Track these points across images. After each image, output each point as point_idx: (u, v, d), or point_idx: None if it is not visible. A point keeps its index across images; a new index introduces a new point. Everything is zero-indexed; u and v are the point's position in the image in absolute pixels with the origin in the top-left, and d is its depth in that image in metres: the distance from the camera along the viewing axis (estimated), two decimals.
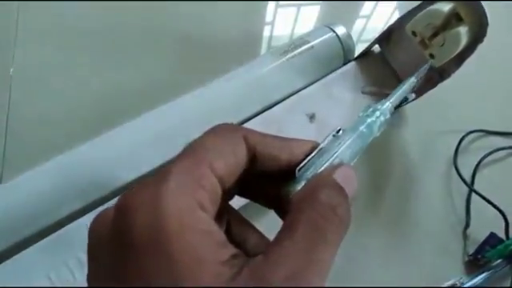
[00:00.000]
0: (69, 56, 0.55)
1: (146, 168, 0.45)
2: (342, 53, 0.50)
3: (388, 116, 0.28)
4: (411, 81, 0.32)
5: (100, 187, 0.43)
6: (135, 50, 0.57)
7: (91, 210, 0.42)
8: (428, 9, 0.42)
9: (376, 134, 0.27)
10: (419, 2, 0.44)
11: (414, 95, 0.49)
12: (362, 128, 0.26)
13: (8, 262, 0.39)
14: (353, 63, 0.50)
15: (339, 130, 0.25)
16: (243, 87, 0.48)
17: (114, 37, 0.57)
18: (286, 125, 0.47)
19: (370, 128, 0.26)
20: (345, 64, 0.51)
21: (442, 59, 0.42)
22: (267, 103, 0.48)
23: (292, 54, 0.49)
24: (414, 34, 0.44)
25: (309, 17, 0.65)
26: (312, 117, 0.48)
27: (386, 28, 0.47)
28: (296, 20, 0.65)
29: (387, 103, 0.29)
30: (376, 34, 0.50)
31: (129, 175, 0.44)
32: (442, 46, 0.42)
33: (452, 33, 0.40)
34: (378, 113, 0.27)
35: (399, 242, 0.48)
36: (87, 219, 0.41)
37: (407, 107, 0.53)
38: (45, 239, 0.40)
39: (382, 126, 0.27)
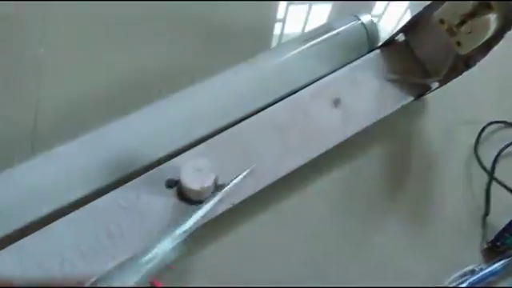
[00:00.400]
0: (97, 39, 0.56)
1: (171, 147, 0.45)
2: (367, 40, 0.51)
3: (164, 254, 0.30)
4: (196, 216, 0.34)
5: (128, 164, 0.44)
6: (161, 36, 0.58)
7: (120, 186, 0.43)
8: None
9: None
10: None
11: (437, 83, 0.49)
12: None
13: (38, 232, 0.40)
14: (377, 51, 0.51)
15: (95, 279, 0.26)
16: (269, 71, 0.49)
17: (140, 22, 0.58)
18: (311, 109, 0.48)
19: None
20: (369, 52, 0.51)
21: (469, 47, 0.43)
22: (293, 88, 0.49)
23: (318, 40, 0.49)
24: (441, 21, 0.44)
25: (320, 16, 0.65)
26: (337, 102, 0.48)
27: (412, 16, 0.48)
28: (307, 19, 0.64)
29: (163, 244, 0.31)
30: (387, 35, 0.51)
31: (155, 153, 0.45)
32: (470, 33, 0.42)
33: (481, 20, 0.41)
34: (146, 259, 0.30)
35: (419, 229, 0.48)
36: (116, 194, 0.42)
37: (429, 96, 0.53)
38: (74, 211, 0.41)
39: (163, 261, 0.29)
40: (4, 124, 0.48)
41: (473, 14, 0.41)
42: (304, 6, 0.65)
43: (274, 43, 0.61)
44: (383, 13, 0.67)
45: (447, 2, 0.43)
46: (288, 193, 0.48)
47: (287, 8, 0.65)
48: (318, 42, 0.49)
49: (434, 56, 0.48)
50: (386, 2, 0.68)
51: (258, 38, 0.60)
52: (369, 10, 0.67)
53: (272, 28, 0.62)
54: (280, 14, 0.64)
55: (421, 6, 0.46)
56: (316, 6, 0.66)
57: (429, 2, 0.45)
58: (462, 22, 0.42)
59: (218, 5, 0.61)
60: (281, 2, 0.65)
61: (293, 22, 0.63)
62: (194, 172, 0.38)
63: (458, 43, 0.43)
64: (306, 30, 0.62)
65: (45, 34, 0.55)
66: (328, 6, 0.66)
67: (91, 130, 0.44)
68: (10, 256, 0.38)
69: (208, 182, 0.39)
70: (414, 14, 0.47)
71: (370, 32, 0.50)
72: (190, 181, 0.38)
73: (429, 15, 0.45)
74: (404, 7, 0.67)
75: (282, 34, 0.62)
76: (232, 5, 0.61)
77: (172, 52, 0.56)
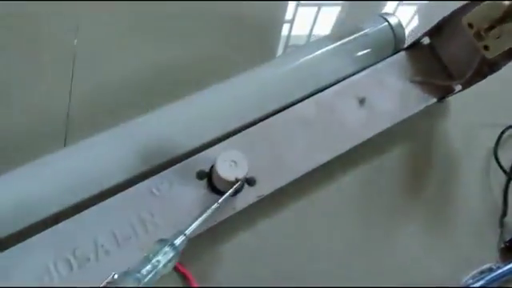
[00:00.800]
0: (129, 31, 0.57)
1: (202, 139, 0.46)
2: (394, 42, 0.52)
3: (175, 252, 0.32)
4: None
5: (159, 155, 0.45)
6: (188, 32, 0.59)
7: (153, 175, 0.44)
8: (487, 2, 0.43)
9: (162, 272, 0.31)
10: (440, 2, 0.46)
11: (460, 86, 0.51)
12: (143, 271, 0.30)
13: (73, 218, 0.41)
14: (403, 53, 0.52)
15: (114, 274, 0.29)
16: (298, 69, 0.50)
17: (169, 18, 0.59)
18: (337, 107, 0.49)
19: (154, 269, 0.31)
20: (395, 53, 0.52)
21: (497, 51, 0.44)
22: (320, 85, 0.50)
23: (346, 39, 0.50)
24: (469, 25, 0.45)
25: (329, 17, 0.65)
26: (362, 101, 0.49)
27: (439, 19, 0.49)
28: (315, 20, 0.65)
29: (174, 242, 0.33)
30: None
31: (187, 145, 0.46)
32: (498, 38, 0.43)
33: (510, 25, 0.42)
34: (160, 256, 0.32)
35: (438, 228, 0.50)
36: (149, 182, 0.43)
37: (452, 99, 0.54)
38: (109, 199, 0.42)
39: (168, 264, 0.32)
40: (38, 113, 0.49)
41: (503, 20, 0.42)
42: (313, 9, 0.66)
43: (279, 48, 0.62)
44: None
45: (478, 6, 0.44)
46: (311, 189, 0.49)
47: (296, 9, 0.65)
48: (346, 42, 0.50)
49: (458, 59, 0.50)
50: (396, 2, 0.68)
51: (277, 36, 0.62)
52: (378, 13, 0.68)
53: (278, 33, 0.63)
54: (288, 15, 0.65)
55: (430, 7, 0.46)
56: (325, 9, 0.66)
57: (441, 2, 0.45)
58: (491, 27, 0.43)
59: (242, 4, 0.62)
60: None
61: (300, 25, 0.64)
62: (229, 163, 0.39)
63: (486, 47, 0.44)
64: (314, 33, 0.63)
65: (78, 24, 0.56)
66: (337, 8, 0.67)
67: (124, 121, 0.45)
68: (46, 240, 0.39)
69: (241, 174, 0.40)
70: (441, 17, 0.49)
71: (397, 34, 0.51)
72: (224, 171, 0.39)
73: (456, 19, 0.47)
74: (413, 10, 0.68)
75: (289, 36, 0.63)
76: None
77: (200, 45, 0.57)
